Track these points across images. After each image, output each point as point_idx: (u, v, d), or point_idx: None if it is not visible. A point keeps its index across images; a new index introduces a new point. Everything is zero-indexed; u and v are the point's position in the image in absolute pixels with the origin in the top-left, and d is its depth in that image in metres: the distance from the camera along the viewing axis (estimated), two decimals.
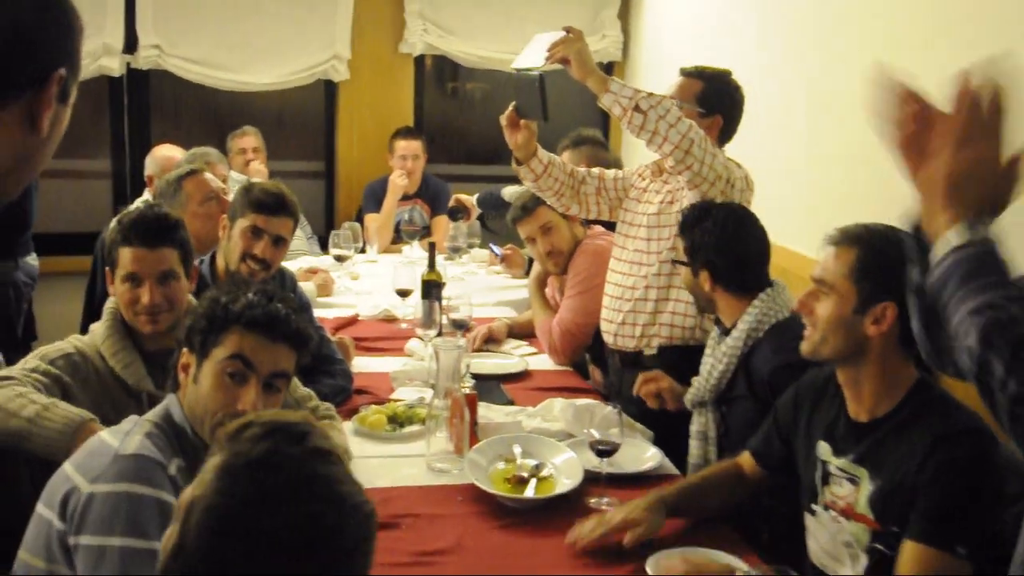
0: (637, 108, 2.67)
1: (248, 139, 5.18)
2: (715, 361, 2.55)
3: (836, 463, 1.99)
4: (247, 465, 1.07)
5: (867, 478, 1.91)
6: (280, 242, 2.84)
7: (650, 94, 2.71)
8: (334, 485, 1.09)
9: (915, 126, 1.27)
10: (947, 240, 1.22)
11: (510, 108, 2.94)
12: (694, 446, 2.60)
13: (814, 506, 2.05)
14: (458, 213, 4.89)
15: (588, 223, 3.57)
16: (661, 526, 2.05)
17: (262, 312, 1.79)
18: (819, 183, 3.72)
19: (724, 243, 2.55)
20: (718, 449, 2.56)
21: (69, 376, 2.19)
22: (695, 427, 2.60)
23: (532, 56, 2.84)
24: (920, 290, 1.29)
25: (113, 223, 2.39)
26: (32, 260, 4.07)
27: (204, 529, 1.04)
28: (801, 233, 3.48)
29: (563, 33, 2.77)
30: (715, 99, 2.99)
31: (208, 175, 3.33)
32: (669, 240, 2.93)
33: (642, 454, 2.50)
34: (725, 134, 3.04)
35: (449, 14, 5.60)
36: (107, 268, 2.36)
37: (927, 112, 1.27)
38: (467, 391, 2.51)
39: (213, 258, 2.94)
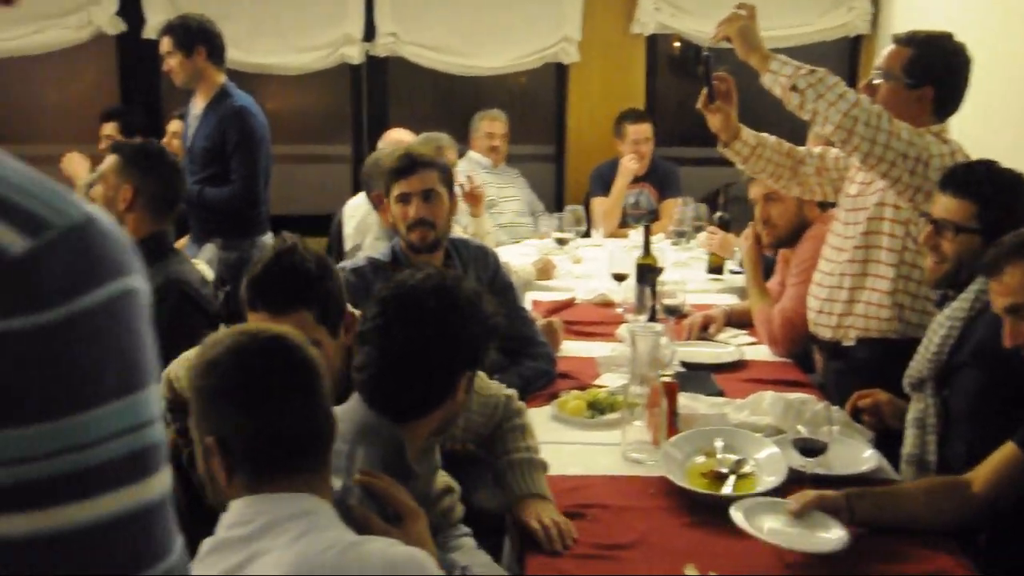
0: (794, 88, 2.50)
1: (498, 124, 5.21)
2: (937, 326, 2.32)
3: None
4: None
5: None
6: (430, 195, 2.79)
7: (812, 71, 2.54)
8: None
9: None
10: None
11: (704, 91, 2.83)
12: (910, 435, 2.34)
13: None
14: None
15: (824, 206, 3.34)
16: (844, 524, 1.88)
17: None
18: None
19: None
20: (938, 439, 2.30)
21: None
22: (911, 414, 2.35)
23: None
24: None
25: (245, 277, 2.07)
26: (268, 239, 4.30)
27: None
28: None
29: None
30: (925, 68, 2.71)
31: None
32: (863, 225, 2.73)
33: (857, 455, 2.29)
34: (942, 105, 2.74)
35: None
36: None
37: None
38: (667, 379, 2.39)
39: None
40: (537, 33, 5.42)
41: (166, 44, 4.01)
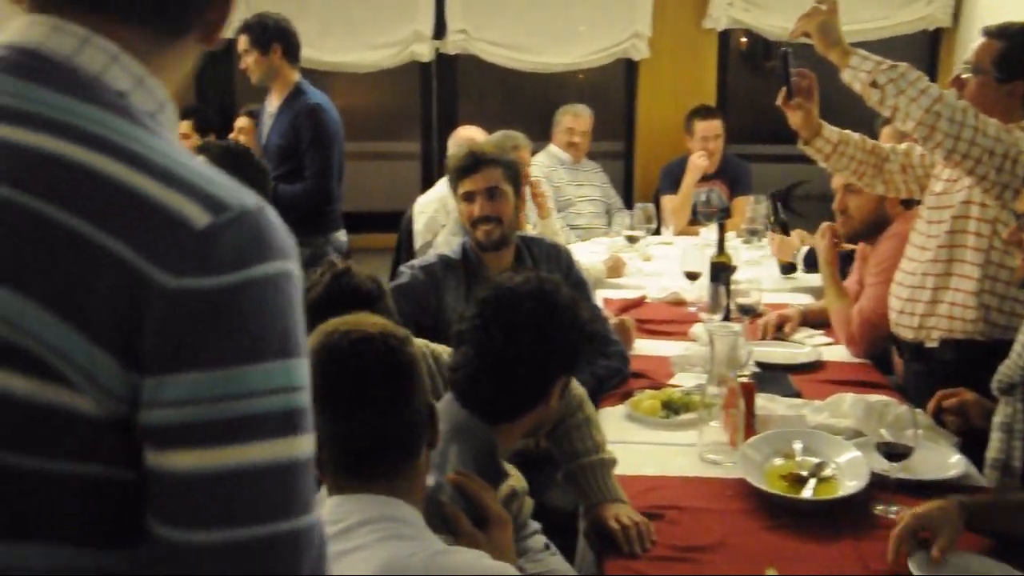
0: (874, 84, 2.44)
1: (580, 120, 5.15)
2: None
3: None
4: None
5: None
6: (495, 192, 2.80)
7: (892, 66, 2.47)
8: None
9: None
10: None
11: (783, 88, 2.79)
12: (995, 439, 2.25)
13: None
14: None
15: (909, 204, 3.26)
16: (960, 533, 1.80)
17: None
18: None
19: None
20: None
21: None
22: (998, 417, 2.27)
23: None
24: None
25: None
26: (341, 236, 4.33)
27: None
28: None
29: None
30: (1016, 62, 2.61)
31: None
32: (948, 223, 2.66)
33: (944, 460, 2.23)
34: None
35: None
36: None
37: None
38: (744, 380, 2.35)
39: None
40: (607, 29, 5.38)
41: (243, 42, 4.07)
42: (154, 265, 0.75)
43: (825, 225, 3.28)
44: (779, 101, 2.84)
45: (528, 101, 5.73)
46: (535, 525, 2.14)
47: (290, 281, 0.81)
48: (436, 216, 4.42)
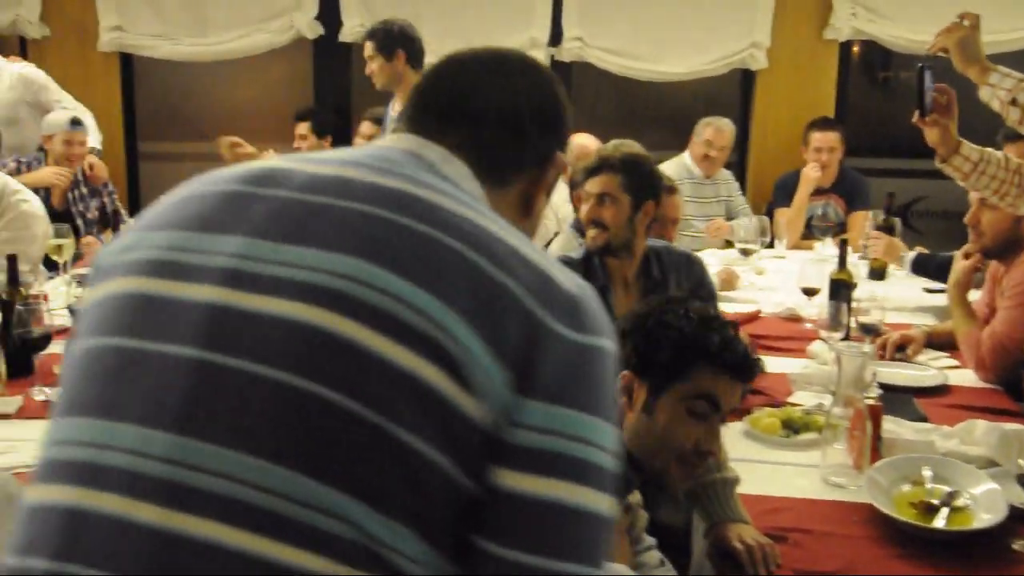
0: (1014, 102, 2.33)
1: (720, 136, 5.01)
2: None
3: None
4: None
5: None
6: (604, 198, 2.78)
7: None
8: None
9: None
10: None
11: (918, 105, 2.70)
12: None
13: None
14: None
15: None
16: None
17: (737, 356, 1.80)
18: None
19: None
20: None
21: None
22: None
23: None
24: None
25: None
26: None
27: None
28: None
29: None
30: None
31: None
32: None
33: None
34: None
35: None
36: None
37: None
38: (871, 402, 2.28)
39: None
40: (725, 39, 5.32)
41: (368, 48, 4.14)
42: (548, 315, 0.90)
43: (966, 247, 3.16)
44: (914, 119, 2.74)
45: (639, 109, 5.69)
46: (650, 540, 2.10)
47: (614, 357, 0.96)
48: (546, 224, 4.43)
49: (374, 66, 4.15)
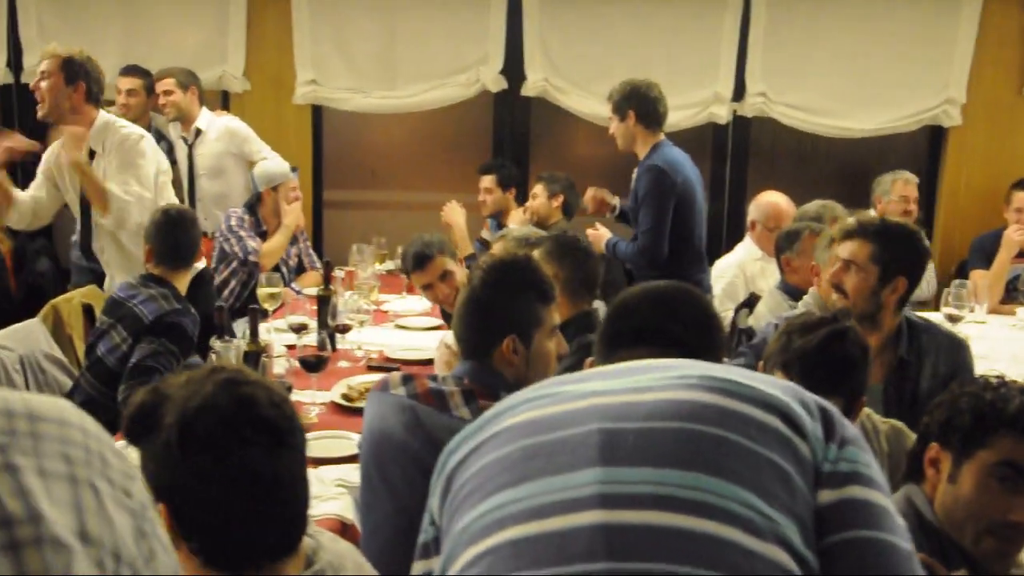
0: None
1: (911, 188, 4.88)
2: None
3: None
4: None
5: None
6: (849, 266, 2.66)
7: None
8: None
9: None
10: None
11: None
12: None
13: None
14: None
15: None
16: None
17: None
18: None
19: None
20: None
21: None
22: None
23: None
24: None
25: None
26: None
27: None
28: None
29: None
30: None
31: None
32: None
33: None
34: None
35: None
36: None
37: None
38: None
39: None
40: (917, 94, 5.19)
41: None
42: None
43: None
44: None
45: (818, 166, 5.59)
46: None
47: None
48: (735, 282, 4.34)
49: (613, 127, 4.17)
